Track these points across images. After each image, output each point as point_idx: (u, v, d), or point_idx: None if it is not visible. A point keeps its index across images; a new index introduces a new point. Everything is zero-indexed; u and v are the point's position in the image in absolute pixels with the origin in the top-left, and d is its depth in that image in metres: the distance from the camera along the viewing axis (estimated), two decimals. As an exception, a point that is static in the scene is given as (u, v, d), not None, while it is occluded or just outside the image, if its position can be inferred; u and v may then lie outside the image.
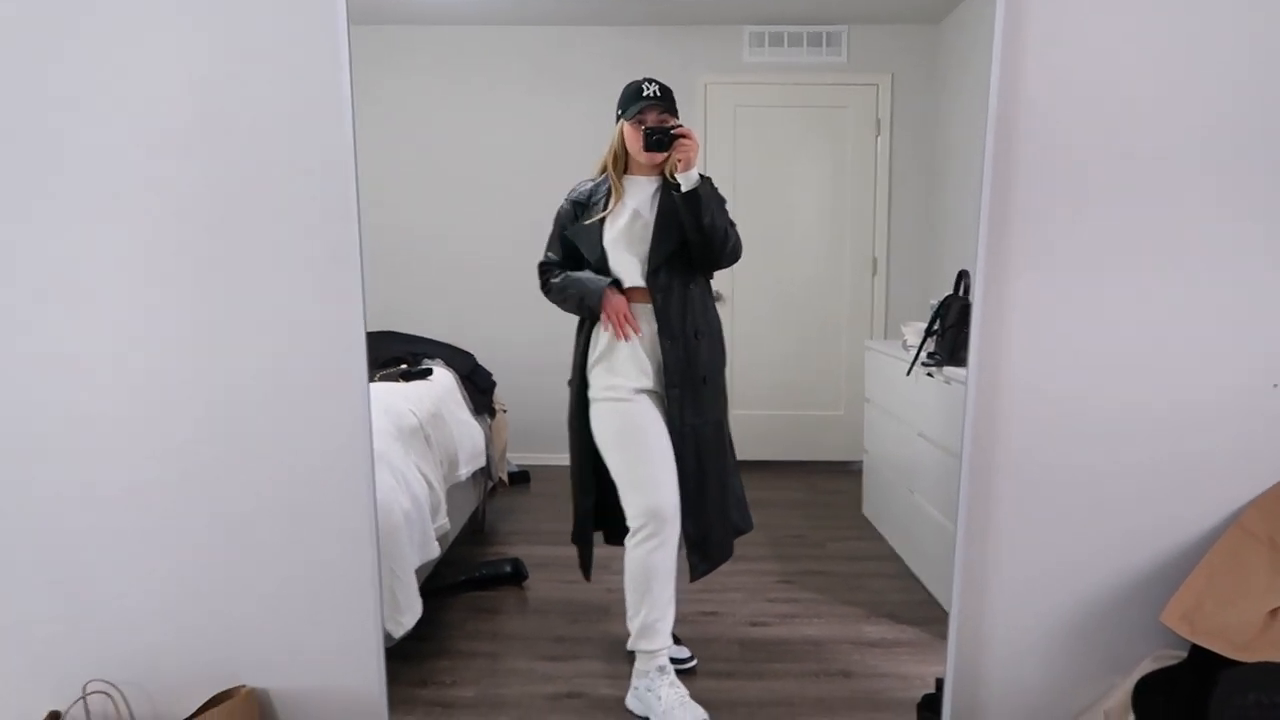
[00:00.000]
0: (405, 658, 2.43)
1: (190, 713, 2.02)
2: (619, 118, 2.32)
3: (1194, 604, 1.85)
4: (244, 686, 2.08)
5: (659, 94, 2.27)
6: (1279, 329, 1.93)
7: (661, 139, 2.22)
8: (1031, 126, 1.87)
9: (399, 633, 2.28)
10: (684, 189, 2.22)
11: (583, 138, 2.51)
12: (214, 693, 2.07)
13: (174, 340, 1.98)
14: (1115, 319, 1.93)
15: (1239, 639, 1.72)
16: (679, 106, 2.33)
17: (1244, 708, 1.51)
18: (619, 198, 2.32)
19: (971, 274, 1.98)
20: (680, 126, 2.21)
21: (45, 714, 2.05)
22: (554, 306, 2.42)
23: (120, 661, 2.09)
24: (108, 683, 2.08)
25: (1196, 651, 1.84)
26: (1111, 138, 1.87)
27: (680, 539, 2.31)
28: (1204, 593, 1.85)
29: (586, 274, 2.33)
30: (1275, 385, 1.94)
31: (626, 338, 2.28)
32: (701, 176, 2.23)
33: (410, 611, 2.33)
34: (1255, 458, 1.97)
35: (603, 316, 2.28)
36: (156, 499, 2.03)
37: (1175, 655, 1.93)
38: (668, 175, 2.31)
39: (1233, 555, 1.88)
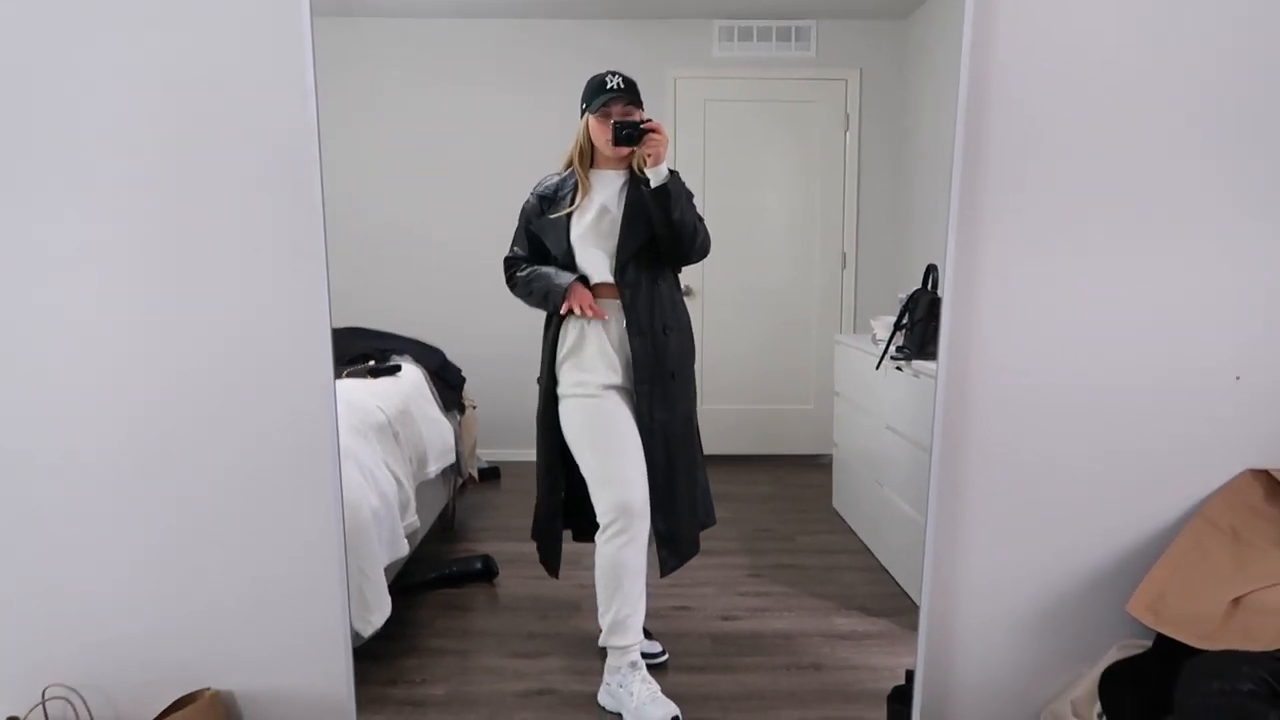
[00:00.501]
0: (375, 656, 2.41)
1: (154, 716, 1.99)
2: (583, 111, 2.30)
3: (1158, 594, 1.87)
4: (209, 689, 2.05)
5: (623, 86, 2.25)
6: (1241, 321, 1.96)
7: (631, 133, 2.19)
8: (1004, 93, 1.87)
9: (368, 631, 2.26)
10: (653, 184, 2.20)
11: (551, 131, 2.49)
12: (178, 695, 2.04)
13: (132, 334, 1.94)
14: (1084, 304, 1.95)
15: (1203, 628, 1.74)
16: (648, 100, 2.32)
17: (1208, 695, 1.52)
18: (585, 192, 2.30)
19: (940, 268, 1.99)
20: (650, 121, 2.19)
21: (3, 718, 2.01)
22: (523, 304, 2.40)
23: (80, 664, 2.05)
24: (68, 687, 2.04)
25: (1162, 641, 1.87)
26: (1086, 110, 1.88)
27: (650, 534, 2.31)
28: (1168, 583, 1.88)
29: (551, 269, 2.31)
30: (1237, 378, 1.97)
31: (595, 314, 2.25)
32: (670, 171, 2.22)
33: (379, 610, 2.31)
34: (1218, 449, 2.00)
35: (564, 304, 2.24)
36: (113, 498, 2.00)
37: (1141, 645, 1.96)
38: (635, 169, 2.29)
39: (1196, 546, 1.90)
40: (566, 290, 2.24)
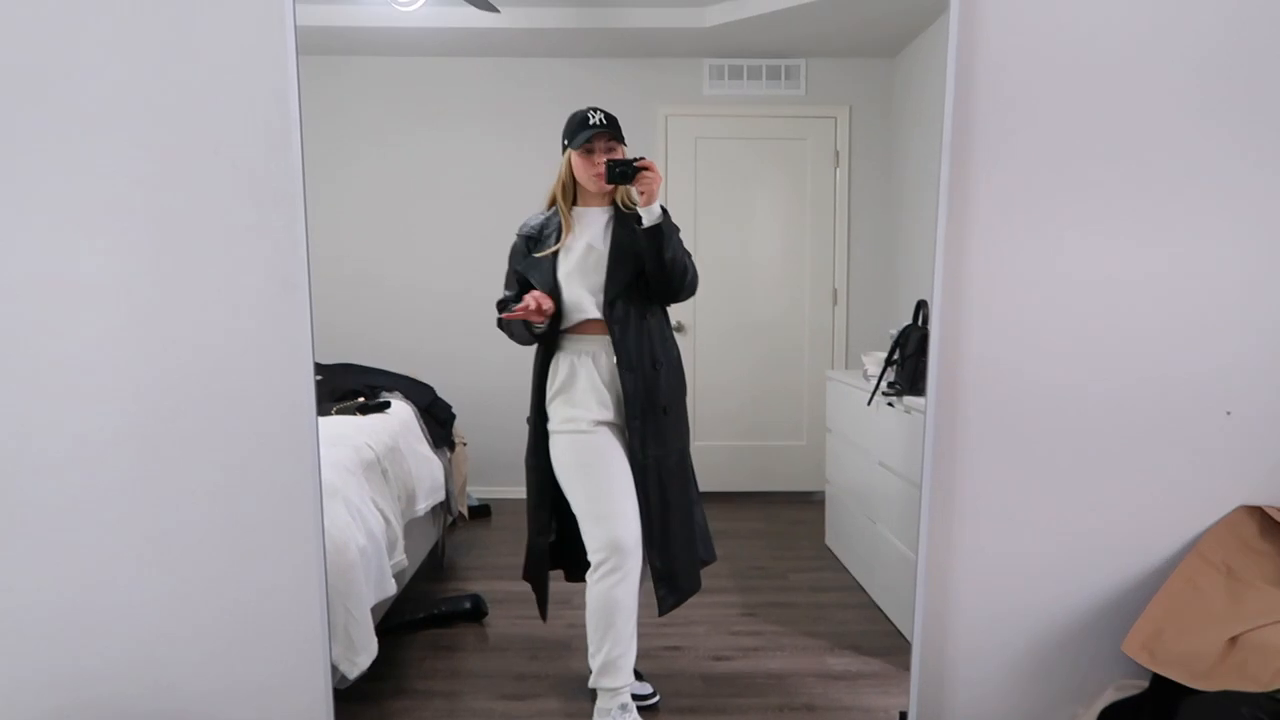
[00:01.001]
0: (361, 698, 2.38)
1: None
2: (565, 147, 2.30)
3: (1154, 633, 1.85)
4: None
5: (605, 122, 2.25)
6: (1233, 356, 1.96)
7: (625, 171, 2.18)
8: (990, 77, 1.89)
9: (354, 673, 2.23)
10: (646, 223, 2.20)
11: (541, 169, 2.50)
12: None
13: (113, 361, 1.91)
14: (1073, 335, 1.96)
15: (1199, 667, 1.72)
16: (641, 137, 2.31)
17: (1206, 737, 1.51)
18: (569, 230, 2.30)
19: (929, 301, 1.99)
20: (643, 159, 2.18)
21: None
22: (514, 342, 2.39)
23: (49, 696, 2.00)
24: (39, 725, 2.00)
25: (1158, 681, 1.85)
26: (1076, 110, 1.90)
27: (646, 572, 2.28)
28: (1163, 621, 1.86)
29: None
30: (1228, 413, 1.97)
31: (541, 306, 2.19)
32: (661, 209, 2.22)
33: (366, 650, 2.27)
34: (1211, 485, 1.99)
35: (520, 311, 2.19)
36: (89, 526, 1.96)
37: (1137, 685, 1.93)
38: (620, 204, 2.29)
39: (1190, 583, 1.89)
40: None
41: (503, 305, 2.39)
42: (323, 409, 2.31)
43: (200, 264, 1.90)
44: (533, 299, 2.19)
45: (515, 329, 2.29)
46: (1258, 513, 1.97)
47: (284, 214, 1.88)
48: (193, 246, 1.90)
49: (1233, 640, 1.72)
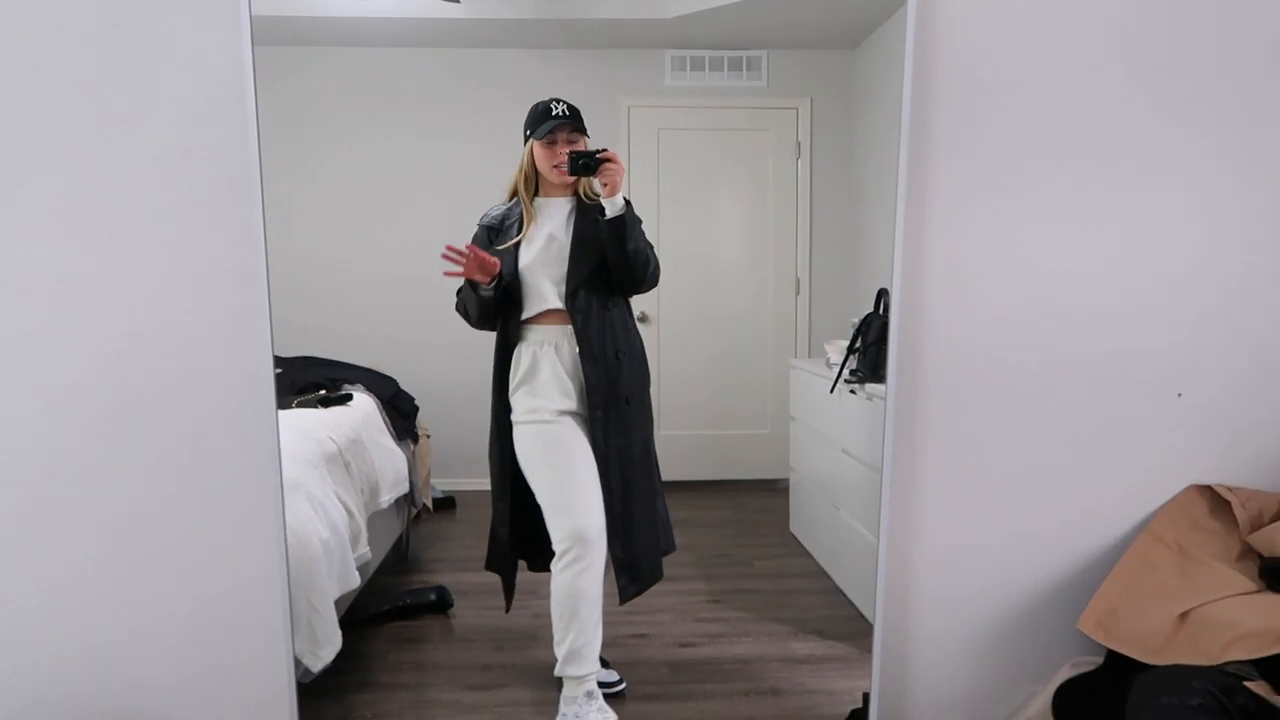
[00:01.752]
0: (326, 692, 2.36)
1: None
2: (527, 138, 2.30)
3: (1108, 610, 1.89)
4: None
5: (567, 113, 2.25)
6: (1183, 338, 2.01)
7: (588, 163, 2.18)
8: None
9: (318, 666, 2.21)
10: (609, 214, 2.20)
11: (503, 160, 2.49)
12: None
13: (67, 353, 1.88)
14: (1031, 320, 1.99)
15: (1152, 643, 1.76)
16: (602, 128, 2.32)
17: (1158, 710, 1.53)
18: (531, 220, 2.30)
19: (888, 287, 2.01)
20: (606, 151, 2.18)
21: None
22: (477, 331, 2.38)
23: (3, 700, 1.97)
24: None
25: (1112, 657, 1.88)
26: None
27: (609, 561, 2.29)
28: (1117, 599, 1.90)
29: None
30: (1179, 395, 2.01)
31: (483, 271, 2.20)
32: (624, 200, 2.22)
33: (329, 644, 2.26)
34: (1163, 465, 2.03)
35: (462, 270, 2.19)
36: (44, 519, 1.92)
37: (1093, 661, 1.97)
38: (582, 195, 2.30)
39: (1144, 561, 1.93)
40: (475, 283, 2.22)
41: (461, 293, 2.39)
42: (283, 402, 2.28)
43: (155, 255, 1.88)
44: (471, 251, 2.17)
45: (468, 302, 2.28)
46: (1208, 492, 2.02)
47: (241, 204, 1.86)
48: (147, 237, 1.87)
49: (1184, 616, 1.76)
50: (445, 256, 2.16)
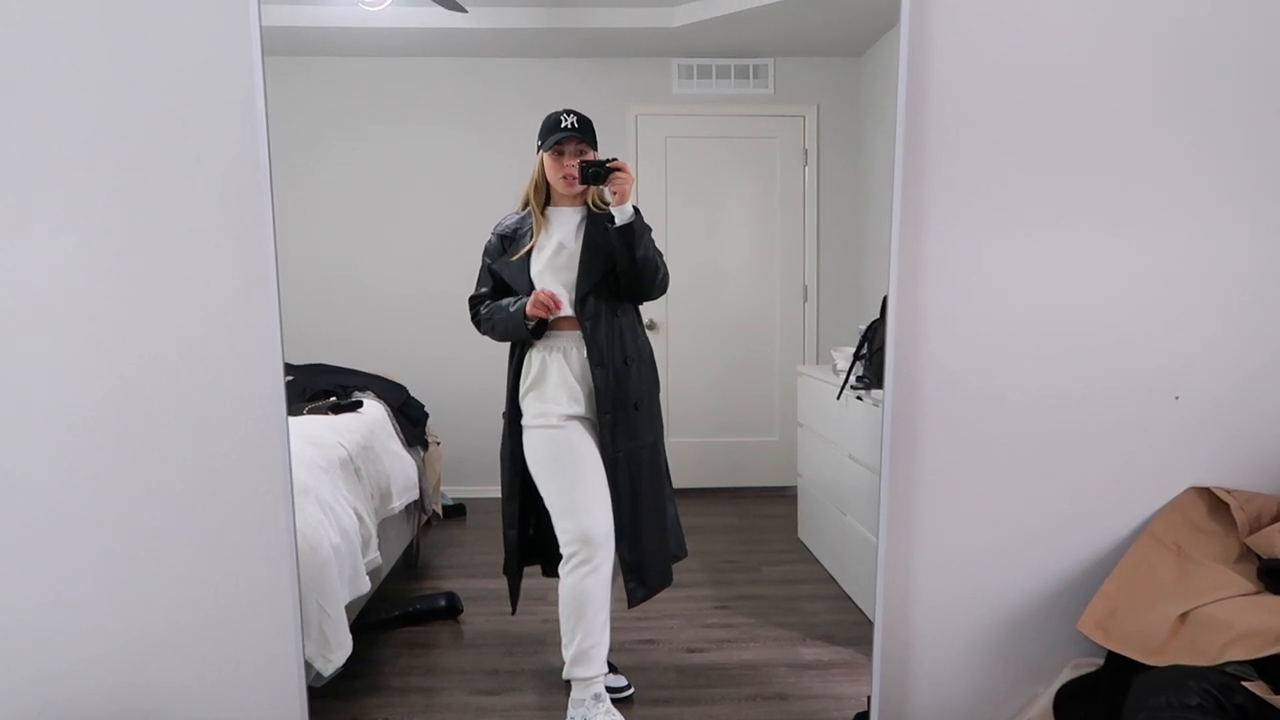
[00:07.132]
0: (336, 695, 2.39)
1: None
2: (539, 149, 2.33)
3: (1108, 611, 1.90)
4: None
5: (577, 125, 2.29)
6: (1181, 342, 2.02)
7: (598, 172, 2.22)
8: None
9: (329, 670, 2.24)
10: (619, 222, 2.24)
11: (513, 169, 2.52)
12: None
13: (80, 358, 1.93)
14: (1031, 323, 2.01)
15: (1151, 644, 1.77)
16: (610, 136, 2.35)
17: (1156, 710, 1.55)
18: (541, 229, 2.33)
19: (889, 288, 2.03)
20: (615, 160, 2.22)
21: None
22: (486, 339, 2.42)
23: (13, 699, 2.00)
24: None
25: (1113, 658, 1.90)
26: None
27: (617, 566, 2.31)
28: (1117, 600, 1.91)
29: (508, 299, 2.33)
30: (1176, 398, 2.02)
31: (557, 305, 2.24)
32: (633, 209, 2.25)
33: (340, 648, 2.29)
34: (1162, 467, 2.04)
35: (529, 308, 2.24)
36: (55, 524, 1.96)
37: (1093, 662, 1.98)
38: (591, 204, 2.33)
39: (1143, 563, 1.94)
40: (523, 313, 2.26)
41: (475, 302, 2.43)
42: (294, 409, 2.32)
43: (167, 262, 1.92)
44: (545, 294, 2.22)
45: (506, 326, 2.32)
46: (1206, 494, 2.03)
47: (251, 212, 1.90)
48: (159, 245, 1.91)
49: (1183, 617, 1.77)
50: (542, 303, 2.22)
